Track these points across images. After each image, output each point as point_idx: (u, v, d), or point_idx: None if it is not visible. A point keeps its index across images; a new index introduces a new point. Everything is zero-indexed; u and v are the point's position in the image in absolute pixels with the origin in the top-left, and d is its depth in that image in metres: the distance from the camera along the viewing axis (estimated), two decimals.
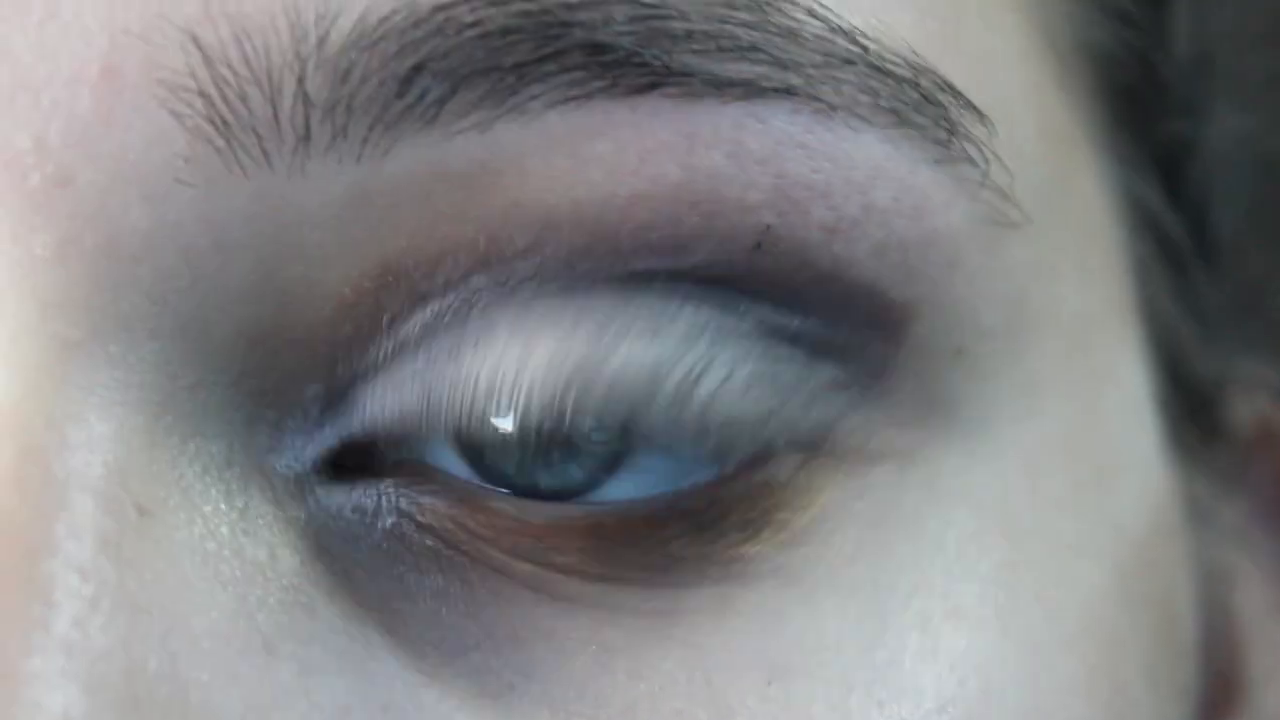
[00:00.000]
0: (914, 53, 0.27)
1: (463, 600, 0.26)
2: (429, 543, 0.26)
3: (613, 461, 0.26)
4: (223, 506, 0.25)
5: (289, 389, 0.26)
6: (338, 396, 0.26)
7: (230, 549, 0.25)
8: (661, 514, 0.26)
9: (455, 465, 0.26)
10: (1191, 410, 0.35)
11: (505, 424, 0.26)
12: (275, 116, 0.24)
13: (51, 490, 0.24)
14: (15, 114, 0.24)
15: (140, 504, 0.24)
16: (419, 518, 0.26)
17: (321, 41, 0.24)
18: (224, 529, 0.25)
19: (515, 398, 0.26)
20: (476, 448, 0.26)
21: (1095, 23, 0.32)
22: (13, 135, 0.24)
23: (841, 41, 0.26)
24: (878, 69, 0.26)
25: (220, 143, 0.24)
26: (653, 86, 0.25)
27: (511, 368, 0.26)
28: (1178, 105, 0.35)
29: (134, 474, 0.24)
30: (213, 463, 0.25)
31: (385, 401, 0.26)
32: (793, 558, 0.27)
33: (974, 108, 0.27)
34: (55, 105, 0.24)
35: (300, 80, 0.24)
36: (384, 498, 0.26)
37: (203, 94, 0.24)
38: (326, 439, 0.26)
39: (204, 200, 0.25)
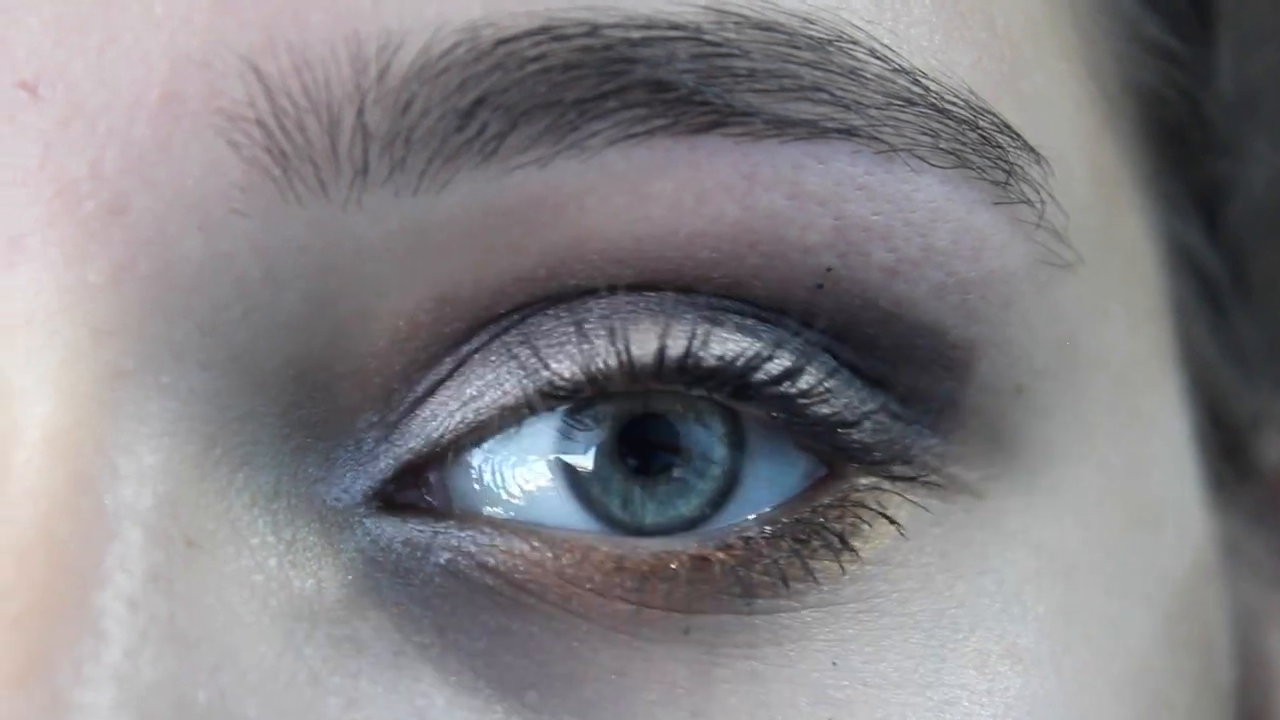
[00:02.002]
0: (973, 94, 0.27)
1: (520, 638, 0.26)
2: (488, 581, 0.26)
3: (672, 493, 0.27)
4: (270, 538, 0.25)
5: (340, 420, 0.26)
6: (391, 428, 0.26)
7: (278, 581, 0.25)
8: (738, 544, 0.26)
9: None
10: (1227, 450, 0.35)
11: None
12: (334, 148, 0.24)
13: (102, 521, 0.24)
14: (71, 140, 0.24)
15: (189, 536, 0.24)
16: (480, 557, 0.26)
17: (382, 74, 0.24)
18: (271, 561, 0.25)
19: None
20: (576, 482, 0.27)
21: (1143, 63, 0.32)
22: (69, 161, 0.24)
23: (903, 82, 0.26)
24: (938, 110, 0.26)
25: (277, 173, 0.24)
26: (714, 125, 0.25)
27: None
28: (1220, 145, 0.35)
29: (183, 506, 0.24)
30: (261, 494, 0.25)
31: (442, 433, 0.26)
32: (862, 589, 0.27)
33: (1031, 149, 0.27)
34: (112, 132, 0.24)
35: (360, 112, 0.24)
36: (439, 535, 0.26)
37: (261, 124, 0.24)
38: (379, 471, 0.26)
39: (259, 230, 0.24)
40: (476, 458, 0.26)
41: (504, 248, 0.25)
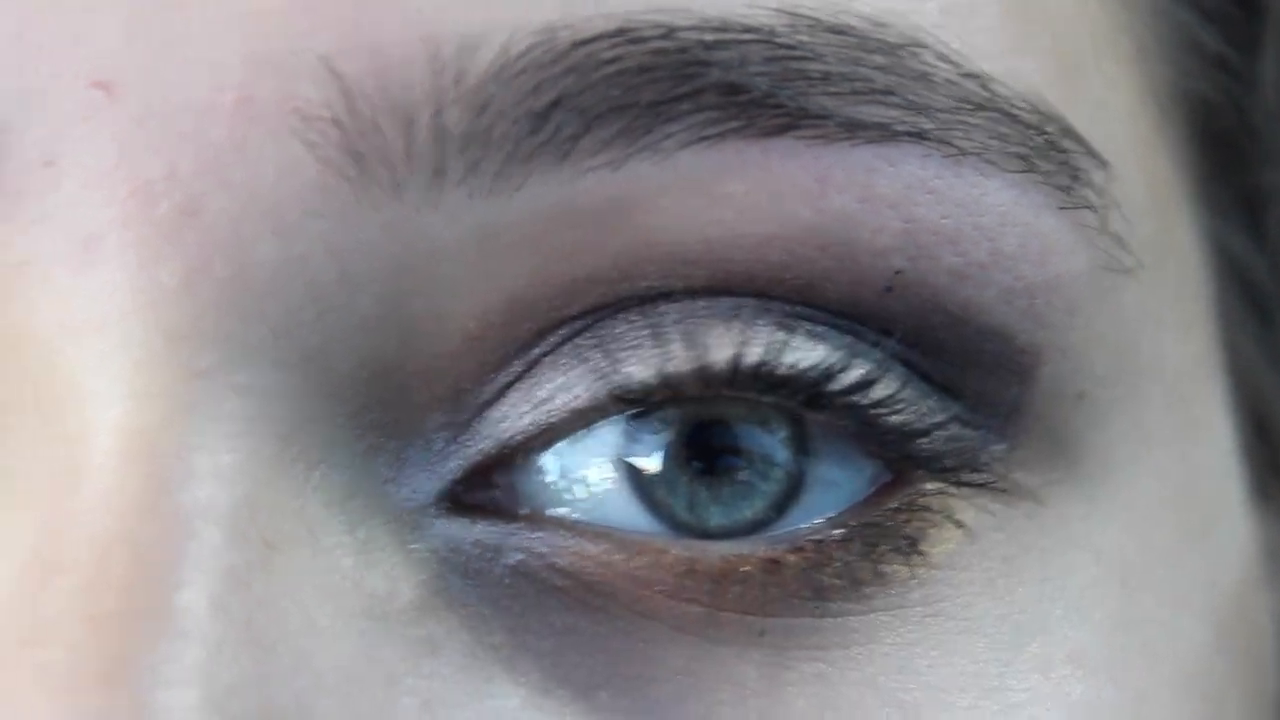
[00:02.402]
0: (1039, 99, 0.27)
1: (589, 639, 0.26)
2: (558, 582, 0.26)
3: (737, 496, 0.27)
4: (345, 539, 0.25)
5: (411, 420, 0.26)
6: (461, 429, 0.26)
7: (352, 582, 0.25)
8: (809, 547, 0.26)
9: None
10: (1272, 459, 0.35)
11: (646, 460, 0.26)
12: (409, 149, 0.24)
13: (180, 521, 0.23)
14: (147, 141, 0.24)
15: (267, 537, 0.24)
16: (551, 558, 0.26)
17: (460, 75, 0.24)
18: (347, 562, 0.25)
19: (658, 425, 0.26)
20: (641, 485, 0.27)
21: (1194, 71, 0.32)
22: (144, 162, 0.24)
23: (972, 86, 0.26)
24: (1006, 114, 0.26)
25: (353, 174, 0.24)
26: (787, 128, 0.25)
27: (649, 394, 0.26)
28: (1266, 152, 0.35)
29: (261, 506, 0.24)
30: (335, 494, 0.25)
31: (512, 434, 0.26)
32: (929, 592, 0.27)
33: (1095, 154, 0.27)
34: (188, 133, 0.24)
35: (437, 114, 0.24)
36: (510, 536, 0.26)
37: (337, 125, 0.24)
38: (448, 472, 0.26)
39: (334, 232, 0.24)
40: (545, 459, 0.26)
41: (576, 249, 0.25)
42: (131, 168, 0.24)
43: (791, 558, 0.26)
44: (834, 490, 0.27)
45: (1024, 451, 0.27)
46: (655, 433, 0.27)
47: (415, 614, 0.25)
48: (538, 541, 0.26)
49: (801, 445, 0.27)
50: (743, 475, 0.27)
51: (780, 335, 0.26)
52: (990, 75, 0.26)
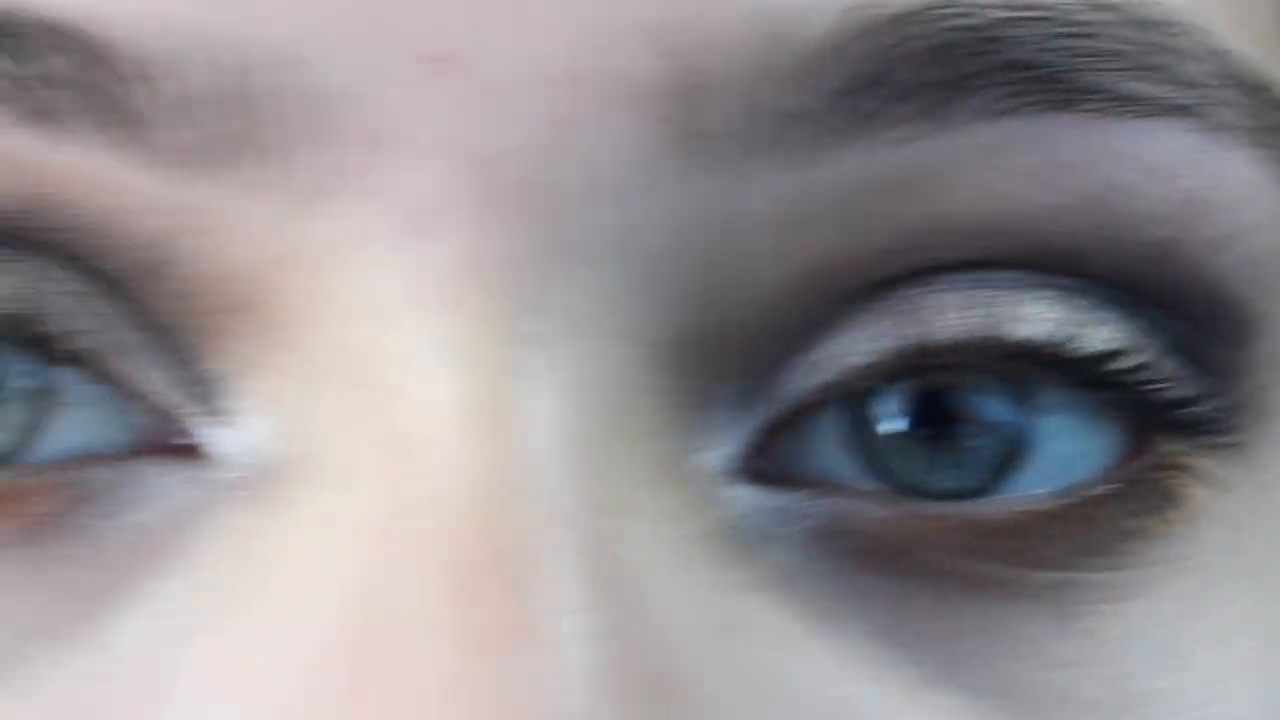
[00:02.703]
0: (1269, 75, 0.28)
1: (888, 598, 0.26)
2: (852, 544, 0.27)
3: (1007, 459, 0.28)
4: (667, 507, 0.25)
5: (710, 390, 0.26)
6: (753, 398, 0.27)
7: (684, 552, 0.25)
8: (1063, 506, 0.27)
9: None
10: None
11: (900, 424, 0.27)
12: (737, 123, 0.25)
13: (530, 492, 0.24)
14: (487, 114, 0.24)
15: (610, 505, 0.24)
16: (844, 521, 0.27)
17: (787, 50, 0.25)
18: (670, 529, 0.25)
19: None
20: (875, 450, 0.27)
21: None
22: (479, 136, 0.24)
23: (1224, 62, 0.27)
24: (1256, 90, 0.28)
25: (682, 146, 0.25)
26: (1067, 104, 0.26)
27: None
28: None
29: (600, 475, 0.24)
30: (656, 464, 0.25)
31: (799, 402, 0.27)
32: (1178, 548, 0.28)
33: None
34: (525, 105, 0.24)
35: (761, 88, 0.25)
36: (801, 502, 0.27)
37: (667, 97, 0.24)
38: (743, 439, 0.26)
39: (660, 204, 0.25)
40: (828, 425, 0.27)
41: (872, 221, 0.26)
42: (466, 141, 0.24)
43: (1062, 513, 0.27)
44: (1078, 455, 0.28)
45: (1243, 418, 0.29)
46: (905, 398, 0.28)
47: (733, 578, 0.26)
48: (830, 506, 0.27)
49: (1035, 406, 0.28)
50: (976, 440, 0.28)
51: (1054, 307, 0.27)
52: (1240, 54, 0.28)
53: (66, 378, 0.26)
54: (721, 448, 0.26)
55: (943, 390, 0.28)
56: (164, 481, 0.26)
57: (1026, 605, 0.27)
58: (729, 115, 0.25)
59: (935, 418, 0.28)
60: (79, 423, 0.26)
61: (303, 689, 0.23)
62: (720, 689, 0.24)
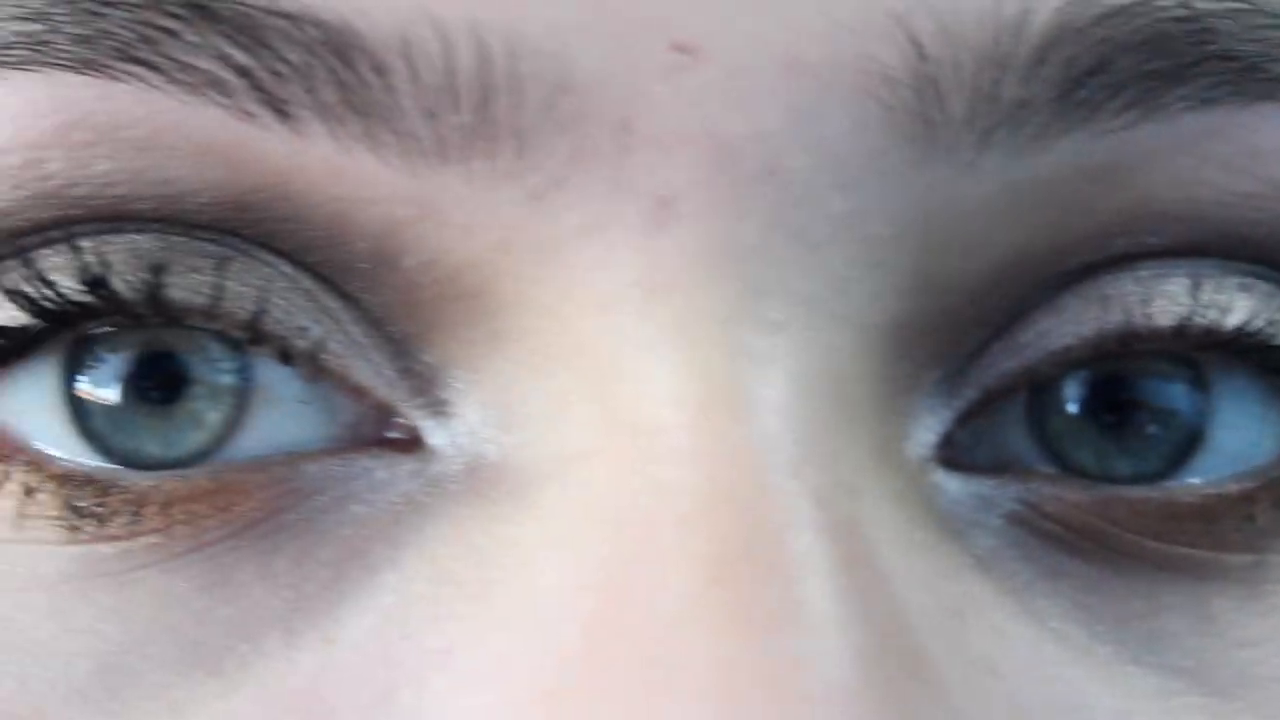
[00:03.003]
0: None
1: (1086, 580, 0.27)
2: (1049, 529, 0.27)
3: (1185, 445, 0.28)
4: (888, 492, 0.26)
5: (917, 375, 0.27)
6: (953, 383, 0.27)
7: (902, 535, 0.25)
8: (1251, 489, 0.28)
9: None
10: None
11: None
12: (964, 111, 0.25)
13: (763, 479, 0.24)
14: (730, 101, 0.24)
15: (843, 489, 0.25)
16: (1041, 506, 0.27)
17: (1017, 41, 0.25)
18: (893, 514, 0.26)
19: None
20: (1056, 435, 0.28)
21: None
22: (727, 121, 0.24)
23: None
24: None
25: (914, 135, 0.25)
26: (1268, 94, 0.27)
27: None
28: None
29: (832, 462, 0.25)
30: (874, 449, 0.26)
31: (994, 388, 0.27)
32: None
33: None
34: (769, 93, 0.24)
35: (990, 77, 0.25)
36: (1001, 487, 0.27)
37: (906, 86, 0.25)
38: (943, 425, 0.27)
39: (892, 190, 0.25)
40: (1019, 411, 0.28)
41: (1080, 208, 0.26)
42: (712, 128, 0.24)
43: (1252, 498, 0.28)
44: (1256, 440, 0.28)
45: None
46: (1080, 386, 0.28)
47: (946, 562, 0.26)
48: (1022, 491, 0.27)
49: (1206, 394, 0.28)
50: (1156, 426, 0.28)
51: (1251, 296, 0.27)
52: None
53: (272, 372, 0.26)
54: (924, 433, 0.27)
55: (1124, 376, 0.28)
56: (383, 475, 0.26)
57: (1217, 586, 0.27)
58: (959, 104, 0.25)
59: (1116, 403, 0.28)
60: (282, 417, 0.26)
61: (564, 674, 0.23)
62: (953, 667, 0.25)
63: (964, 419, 0.27)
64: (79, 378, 0.26)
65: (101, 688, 0.25)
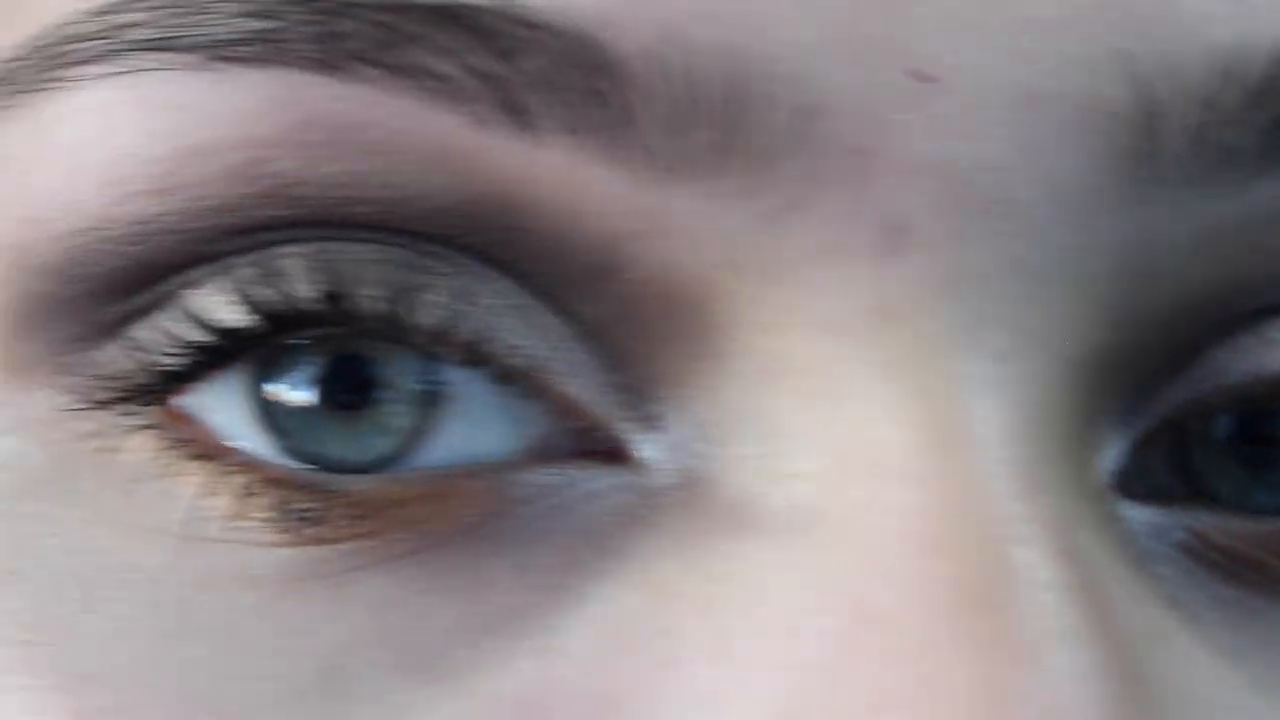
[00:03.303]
0: None
1: (1251, 610, 0.28)
2: (1216, 558, 0.28)
3: None
4: (1091, 522, 0.26)
5: (1106, 407, 0.27)
6: (1133, 415, 0.27)
7: (1109, 563, 0.26)
8: None
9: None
10: None
11: None
12: (1182, 151, 0.25)
13: (997, 501, 0.24)
14: (965, 130, 0.25)
15: (1060, 523, 0.25)
16: (1208, 536, 0.28)
17: (1231, 86, 0.25)
18: (1098, 543, 0.26)
19: None
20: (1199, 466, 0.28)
21: None
22: (962, 151, 0.25)
23: None
24: None
25: (1133, 172, 0.25)
26: None
27: None
28: None
29: (1049, 493, 0.25)
30: (1076, 479, 0.26)
31: (1165, 419, 0.28)
32: None
33: None
34: (1002, 124, 0.25)
35: (1208, 120, 0.25)
36: (1173, 515, 0.28)
37: (1129, 123, 0.25)
38: (1121, 455, 0.27)
39: (1109, 226, 0.25)
40: (1180, 442, 0.28)
41: (1268, 249, 0.27)
42: (948, 157, 0.25)
43: None
44: None
45: None
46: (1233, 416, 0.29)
47: (1137, 590, 0.26)
48: (1191, 520, 0.28)
49: None
50: None
51: None
52: None
53: (461, 378, 0.26)
54: (1108, 462, 0.27)
55: (1276, 410, 0.29)
56: (594, 485, 0.26)
57: None
58: (1179, 144, 0.25)
59: (1267, 437, 0.29)
60: (470, 426, 0.26)
61: (808, 695, 0.23)
62: (1163, 692, 0.25)
63: (1136, 449, 0.28)
64: (272, 380, 0.26)
65: (319, 690, 0.25)
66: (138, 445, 0.26)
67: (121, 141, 0.25)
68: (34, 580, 0.26)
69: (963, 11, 0.24)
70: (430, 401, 0.26)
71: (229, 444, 0.26)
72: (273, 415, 0.26)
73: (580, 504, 0.26)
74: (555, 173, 0.25)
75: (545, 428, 0.26)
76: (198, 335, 0.26)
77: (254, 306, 0.26)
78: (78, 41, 0.25)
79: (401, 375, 0.26)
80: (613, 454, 0.26)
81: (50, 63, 0.25)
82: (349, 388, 0.26)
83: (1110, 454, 0.27)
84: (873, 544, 0.24)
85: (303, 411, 0.26)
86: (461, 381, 0.26)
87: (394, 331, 0.26)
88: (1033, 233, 0.25)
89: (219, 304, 0.26)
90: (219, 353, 0.26)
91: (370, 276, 0.25)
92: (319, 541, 0.25)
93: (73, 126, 0.25)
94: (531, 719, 0.25)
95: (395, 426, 0.26)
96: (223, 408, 0.26)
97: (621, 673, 0.25)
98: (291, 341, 0.26)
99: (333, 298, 0.25)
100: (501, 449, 0.26)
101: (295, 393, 0.26)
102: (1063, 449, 0.26)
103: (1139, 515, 0.27)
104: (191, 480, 0.26)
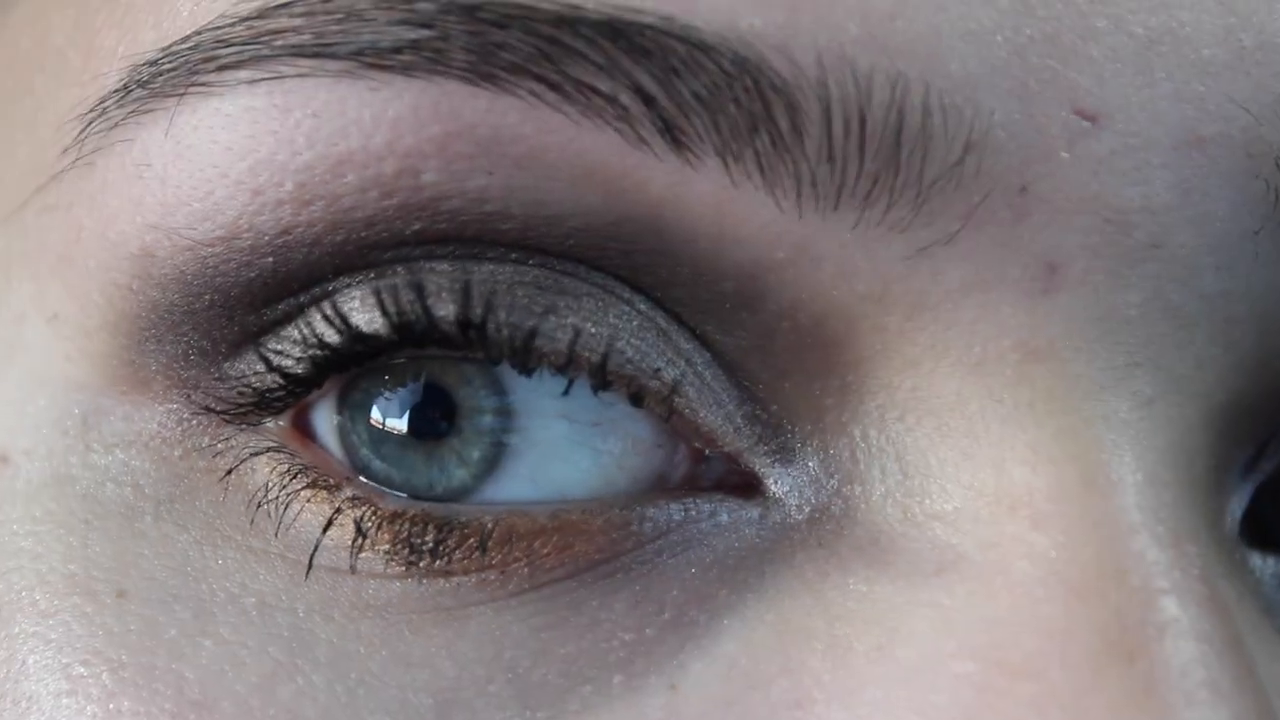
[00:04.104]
0: None
1: None
2: None
3: None
4: (1220, 565, 0.26)
5: (1233, 454, 0.27)
6: (1253, 463, 0.27)
7: (1238, 606, 0.25)
8: None
9: None
10: None
11: None
12: None
13: (1144, 548, 0.24)
14: (1124, 171, 0.24)
15: (1201, 571, 0.24)
16: None
17: None
18: (1230, 587, 0.26)
19: None
20: None
21: None
22: (1120, 192, 0.24)
23: None
24: None
25: (1275, 218, 0.25)
26: None
27: None
28: None
29: (1188, 541, 0.25)
30: (1211, 526, 0.26)
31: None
32: None
33: None
34: (1161, 167, 0.24)
35: None
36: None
37: (1276, 167, 0.25)
38: (1245, 502, 0.27)
39: (1256, 272, 0.25)
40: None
41: None
42: (1106, 197, 0.24)
43: None
44: None
45: None
46: None
47: (1271, 643, 0.26)
48: None
49: None
50: None
51: None
52: None
53: (597, 409, 0.26)
54: (1236, 510, 0.27)
55: None
56: (724, 520, 0.25)
57: None
58: None
59: None
60: (604, 457, 0.26)
61: None
62: None
63: (1259, 497, 0.27)
64: (394, 410, 0.26)
65: None
66: (259, 466, 0.26)
67: (265, 149, 0.24)
68: (145, 601, 0.25)
69: (1129, 52, 0.24)
70: (557, 431, 0.26)
71: (351, 472, 0.26)
72: (395, 445, 0.26)
73: (709, 538, 0.25)
74: (707, 197, 0.24)
75: (674, 459, 0.26)
76: (330, 344, 0.25)
77: (391, 318, 0.25)
78: (224, 46, 0.25)
79: (530, 403, 0.26)
80: (744, 487, 0.26)
81: (193, 67, 0.25)
82: (475, 416, 0.26)
83: (1238, 501, 0.27)
84: (1014, 588, 0.24)
85: (427, 442, 0.26)
86: (591, 410, 0.26)
87: (525, 354, 0.25)
88: (1185, 275, 0.25)
89: (356, 312, 0.25)
90: (347, 367, 0.25)
91: (508, 297, 0.25)
92: (440, 574, 0.25)
93: (212, 133, 0.25)
94: None
95: (520, 457, 0.26)
96: (345, 434, 0.26)
97: (749, 711, 0.24)
98: (420, 366, 0.26)
99: (470, 316, 0.25)
100: (628, 481, 0.26)
101: (419, 423, 0.26)
102: (1200, 496, 0.25)
103: (1261, 563, 0.27)
104: (312, 508, 0.25)
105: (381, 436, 0.26)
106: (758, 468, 0.26)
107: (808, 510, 0.25)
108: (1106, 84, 0.24)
